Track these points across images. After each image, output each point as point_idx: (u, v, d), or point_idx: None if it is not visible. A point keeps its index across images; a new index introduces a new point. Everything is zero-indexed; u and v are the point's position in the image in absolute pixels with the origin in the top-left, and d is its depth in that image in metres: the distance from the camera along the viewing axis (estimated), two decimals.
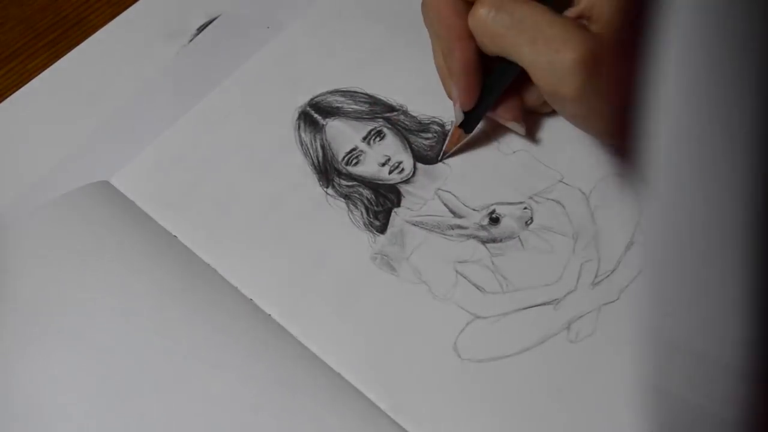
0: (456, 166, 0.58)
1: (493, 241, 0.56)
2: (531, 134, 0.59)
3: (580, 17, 0.52)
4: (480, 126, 0.59)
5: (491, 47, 0.53)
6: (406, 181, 0.58)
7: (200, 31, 0.64)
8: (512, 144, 0.59)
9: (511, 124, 0.58)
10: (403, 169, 0.58)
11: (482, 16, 0.52)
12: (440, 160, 0.58)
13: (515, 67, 0.54)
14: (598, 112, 0.52)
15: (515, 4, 0.52)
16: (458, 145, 0.58)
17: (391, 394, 0.52)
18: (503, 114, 0.57)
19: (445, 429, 0.51)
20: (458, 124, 0.57)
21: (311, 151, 0.59)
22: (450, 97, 0.58)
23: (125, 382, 0.52)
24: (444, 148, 0.58)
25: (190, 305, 0.54)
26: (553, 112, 0.58)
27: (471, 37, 0.54)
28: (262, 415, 0.51)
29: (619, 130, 0.53)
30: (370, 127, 0.59)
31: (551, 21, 0.51)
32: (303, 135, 0.59)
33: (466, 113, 0.57)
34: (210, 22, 0.64)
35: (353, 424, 0.51)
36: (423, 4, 0.57)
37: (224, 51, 0.62)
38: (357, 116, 0.60)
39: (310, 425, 0.51)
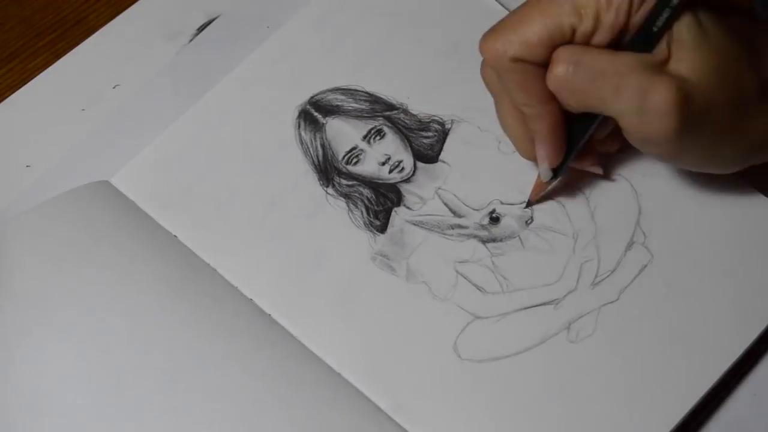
0: (456, 165, 0.58)
1: (494, 240, 0.56)
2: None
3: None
4: (479, 126, 0.59)
5: (575, 104, 0.50)
6: (407, 181, 0.58)
7: (200, 31, 0.64)
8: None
9: (591, 168, 0.56)
10: (403, 168, 0.58)
11: (561, 74, 0.49)
12: (527, 207, 0.57)
13: (597, 117, 0.51)
14: (697, 145, 0.50)
15: (592, 56, 0.49)
16: (543, 193, 0.56)
17: (391, 393, 0.52)
18: (584, 162, 0.55)
19: (444, 429, 0.51)
20: (546, 180, 0.55)
21: (311, 150, 0.59)
22: (525, 155, 0.55)
23: (125, 383, 0.52)
24: (530, 197, 0.56)
25: (190, 305, 0.54)
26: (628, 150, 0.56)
27: (553, 98, 0.51)
28: (263, 415, 0.51)
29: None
30: (370, 126, 0.59)
31: (632, 66, 0.48)
32: (303, 134, 0.59)
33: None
34: (210, 22, 0.64)
35: (353, 424, 0.51)
36: (483, 69, 0.53)
37: (224, 51, 0.62)
38: (357, 115, 0.60)
39: (311, 424, 0.51)
